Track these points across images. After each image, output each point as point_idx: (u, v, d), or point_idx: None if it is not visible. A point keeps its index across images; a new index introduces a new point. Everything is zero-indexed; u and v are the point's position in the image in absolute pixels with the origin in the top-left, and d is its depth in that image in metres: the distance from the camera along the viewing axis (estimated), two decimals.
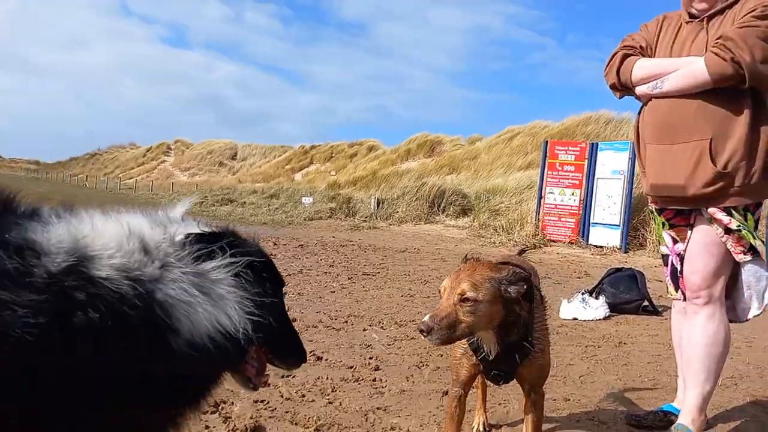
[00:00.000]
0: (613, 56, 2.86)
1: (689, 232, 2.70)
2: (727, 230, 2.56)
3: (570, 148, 12.90)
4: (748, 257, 2.58)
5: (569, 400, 3.24)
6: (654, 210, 2.88)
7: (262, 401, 2.95)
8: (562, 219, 12.61)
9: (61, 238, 1.11)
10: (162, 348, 1.13)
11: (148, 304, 1.12)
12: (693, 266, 2.68)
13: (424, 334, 1.85)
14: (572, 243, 12.22)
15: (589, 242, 11.99)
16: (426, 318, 1.88)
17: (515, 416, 2.93)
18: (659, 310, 5.86)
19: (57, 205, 1.29)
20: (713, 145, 2.52)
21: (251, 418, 2.76)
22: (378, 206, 17.03)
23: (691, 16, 2.71)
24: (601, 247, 11.71)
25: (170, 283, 1.16)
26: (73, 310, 1.04)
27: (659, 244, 2.93)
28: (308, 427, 2.73)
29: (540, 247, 12.16)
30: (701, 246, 2.65)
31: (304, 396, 3.10)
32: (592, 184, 12.15)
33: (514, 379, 2.19)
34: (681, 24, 2.75)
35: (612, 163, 11.95)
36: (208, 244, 1.28)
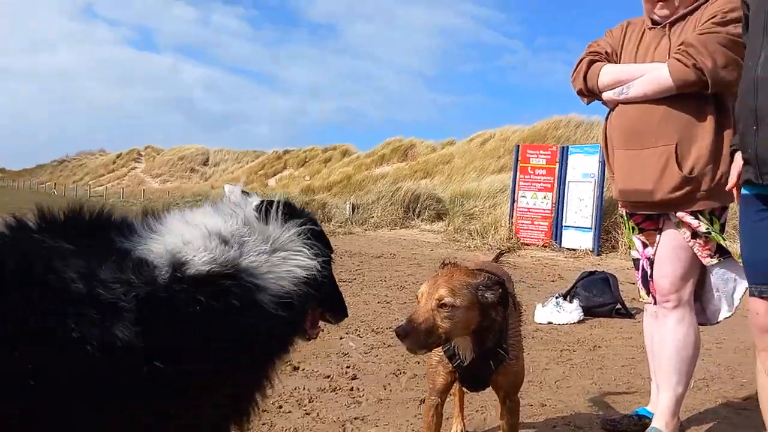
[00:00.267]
0: (580, 62, 2.89)
1: (658, 236, 2.74)
2: (694, 234, 2.61)
3: (541, 151, 13.04)
4: (715, 260, 2.63)
5: (545, 405, 3.25)
6: (624, 214, 2.92)
7: None
8: (535, 222, 12.73)
9: (161, 253, 1.38)
10: (257, 308, 1.43)
11: (238, 280, 1.41)
12: (662, 270, 2.71)
13: (401, 338, 1.84)
14: (545, 246, 12.33)
15: (562, 245, 12.11)
16: (403, 322, 1.86)
17: (493, 423, 2.93)
18: (632, 312, 5.94)
19: (142, 215, 1.54)
20: (679, 150, 2.57)
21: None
22: (353, 211, 16.99)
23: (654, 22, 2.75)
24: (574, 250, 11.84)
25: (250, 257, 1.47)
26: (192, 305, 1.33)
27: (630, 248, 2.97)
28: None
29: (514, 250, 12.25)
30: (669, 250, 2.69)
31: (281, 407, 3.06)
32: (564, 188, 12.29)
33: (490, 386, 2.19)
34: (644, 30, 2.79)
35: (582, 166, 12.10)
36: (274, 212, 1.59)
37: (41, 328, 1.16)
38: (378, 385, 3.49)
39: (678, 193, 2.57)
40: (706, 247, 2.61)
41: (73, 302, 1.19)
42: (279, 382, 1.70)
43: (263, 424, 2.82)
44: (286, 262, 1.53)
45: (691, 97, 2.55)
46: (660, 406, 2.75)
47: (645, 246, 2.81)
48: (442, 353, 2.13)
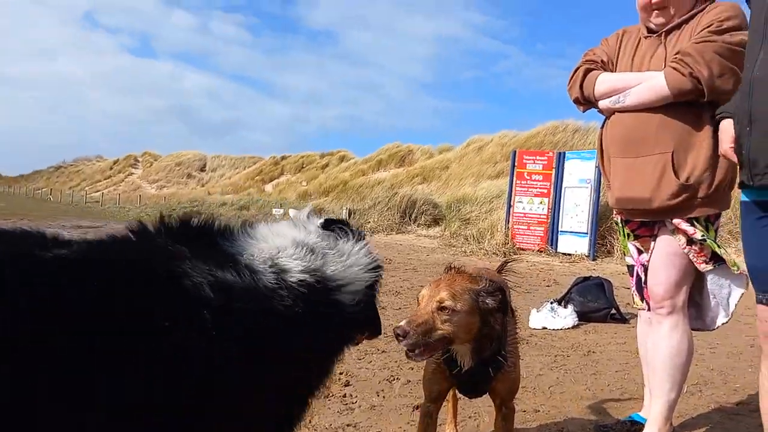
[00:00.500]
0: (576, 71, 2.90)
1: (653, 243, 2.75)
2: (690, 241, 2.61)
3: (538, 157, 13.09)
4: (710, 267, 2.63)
5: (539, 411, 3.25)
6: (619, 221, 2.93)
7: None
8: (531, 227, 12.76)
9: (264, 259, 1.56)
10: (336, 314, 1.65)
11: (324, 283, 1.63)
12: (656, 277, 2.72)
13: (400, 338, 1.82)
14: (541, 251, 12.36)
15: (558, 250, 12.14)
16: (402, 322, 1.85)
17: (486, 429, 2.93)
18: (627, 317, 5.95)
19: (239, 223, 1.72)
20: (675, 158, 2.57)
21: None
22: (350, 216, 17.01)
23: (650, 30, 2.76)
24: (569, 254, 11.87)
25: (330, 265, 1.68)
26: (295, 304, 1.52)
27: (624, 254, 2.97)
28: None
29: (510, 255, 12.26)
30: (664, 257, 2.69)
31: None
32: (560, 193, 12.33)
33: (485, 393, 2.19)
34: (640, 39, 2.80)
35: (579, 171, 12.15)
36: (338, 229, 1.83)
37: (180, 321, 1.29)
38: (371, 392, 3.48)
39: (675, 201, 2.58)
40: (702, 254, 2.62)
41: (202, 303, 1.33)
42: None
43: None
44: (356, 274, 1.73)
45: (687, 105, 2.56)
46: (653, 412, 2.75)
47: (640, 252, 2.81)
48: (440, 360, 2.13)
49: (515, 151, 13.87)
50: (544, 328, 5.47)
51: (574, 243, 11.99)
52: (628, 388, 3.76)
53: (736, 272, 2.61)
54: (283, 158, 42.23)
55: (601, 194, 11.62)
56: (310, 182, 33.56)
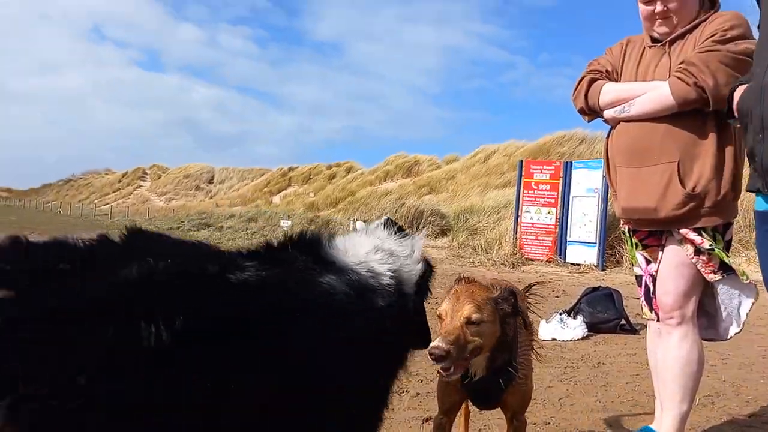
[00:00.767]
0: (581, 81, 2.90)
1: (661, 252, 2.73)
2: (697, 251, 2.59)
3: (545, 167, 13.06)
4: (719, 277, 2.61)
5: (549, 423, 3.23)
6: (627, 231, 2.91)
7: None
8: (539, 237, 12.71)
9: (361, 262, 1.77)
10: (407, 298, 1.85)
11: (403, 283, 1.84)
12: (665, 287, 2.70)
13: (439, 360, 1.78)
14: (549, 261, 12.31)
15: (567, 260, 12.09)
16: (438, 342, 1.80)
17: None
18: (636, 328, 5.90)
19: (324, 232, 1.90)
20: (681, 168, 2.56)
21: None
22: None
23: (654, 40, 2.76)
24: (578, 265, 11.81)
25: (404, 267, 1.87)
26: (391, 299, 1.73)
27: (633, 264, 2.95)
28: None
29: (518, 266, 12.22)
30: (672, 267, 2.67)
31: None
32: (568, 203, 12.29)
33: (498, 405, 2.17)
34: (644, 48, 2.80)
35: (586, 181, 12.11)
36: (401, 234, 2.03)
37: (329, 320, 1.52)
38: None
39: (681, 210, 2.56)
40: (710, 264, 2.60)
41: (338, 304, 1.56)
42: None
43: None
44: (414, 278, 1.91)
45: (692, 114, 2.55)
46: (664, 425, 2.72)
47: (648, 262, 2.80)
48: None
49: (522, 161, 13.85)
50: (554, 339, 5.43)
51: (583, 253, 11.94)
52: (639, 399, 3.72)
53: (745, 282, 2.59)
54: (290, 170, 42.40)
55: (609, 204, 11.58)
56: (317, 193, 33.65)
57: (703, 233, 2.57)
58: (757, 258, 2.10)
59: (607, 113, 2.79)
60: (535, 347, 2.45)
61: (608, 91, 2.77)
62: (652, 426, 2.93)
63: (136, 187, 57.57)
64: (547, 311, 6.38)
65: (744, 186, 2.25)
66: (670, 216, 2.59)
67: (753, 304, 2.62)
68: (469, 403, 2.46)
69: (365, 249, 1.84)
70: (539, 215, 12.74)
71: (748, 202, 2.13)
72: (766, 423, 3.27)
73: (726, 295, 2.65)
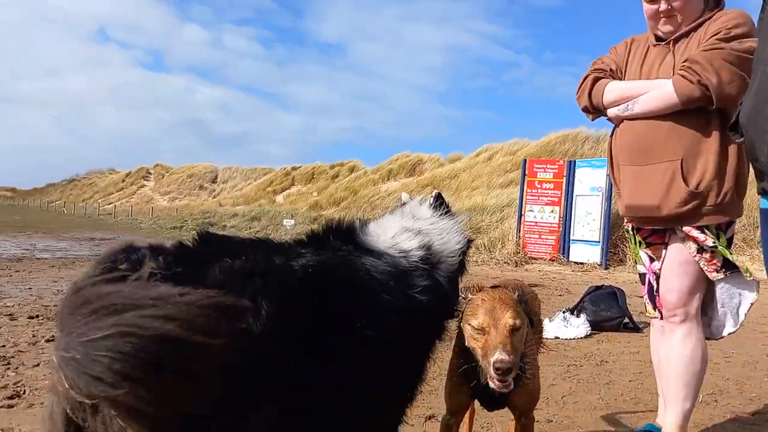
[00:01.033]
0: (585, 79, 2.90)
1: (664, 250, 2.73)
2: (700, 249, 2.60)
3: (548, 165, 13.06)
4: (721, 275, 2.61)
5: (552, 421, 3.23)
6: (630, 229, 2.91)
7: None
8: (543, 236, 12.71)
9: (391, 245, 1.91)
10: (441, 275, 1.97)
11: (433, 257, 1.98)
12: (668, 285, 2.70)
13: (510, 372, 1.76)
14: (553, 260, 12.30)
15: (570, 259, 12.09)
16: (503, 355, 1.77)
17: None
18: (640, 326, 5.90)
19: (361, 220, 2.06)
20: (684, 166, 2.56)
21: None
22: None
23: (658, 38, 2.77)
24: (581, 263, 11.81)
25: (436, 241, 2.02)
26: (421, 276, 1.86)
27: (636, 263, 2.96)
28: None
29: (521, 264, 12.21)
30: (676, 265, 2.68)
31: None
32: (571, 202, 12.28)
33: (506, 405, 2.17)
34: (648, 47, 2.80)
35: (590, 180, 12.10)
36: (439, 207, 2.25)
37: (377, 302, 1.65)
38: None
39: (685, 208, 2.57)
40: (713, 262, 2.60)
41: (380, 283, 1.69)
42: None
43: None
44: (451, 251, 2.05)
45: (695, 112, 2.55)
46: (668, 422, 2.72)
47: (651, 260, 2.80)
48: (460, 373, 2.08)
49: (526, 160, 13.86)
50: (557, 337, 5.44)
51: (586, 252, 11.93)
52: (642, 397, 3.73)
53: (748, 278, 2.59)
54: (293, 169, 42.40)
55: (613, 203, 11.57)
56: (320, 193, 33.67)
57: (706, 231, 2.57)
58: (761, 256, 2.10)
59: (611, 111, 2.80)
60: (541, 346, 2.45)
61: (612, 90, 2.78)
62: (656, 423, 2.94)
63: (140, 187, 57.67)
64: (551, 310, 6.39)
65: (751, 185, 2.24)
66: (672, 214, 2.59)
67: (753, 302, 2.62)
68: (475, 402, 2.46)
69: (392, 233, 1.99)
70: (543, 214, 12.73)
71: (753, 200, 2.13)
72: None
73: (726, 294, 2.65)
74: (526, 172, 13.12)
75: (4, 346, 4.38)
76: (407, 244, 1.93)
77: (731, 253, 2.59)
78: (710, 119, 2.56)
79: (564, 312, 5.80)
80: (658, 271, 2.76)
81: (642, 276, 2.89)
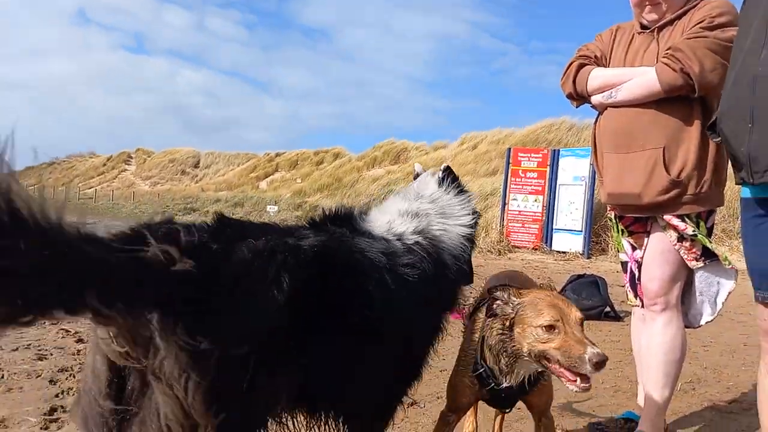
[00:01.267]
0: (569, 66, 2.89)
1: (646, 239, 2.74)
2: (681, 237, 2.61)
3: (532, 155, 13.09)
4: (701, 263, 2.62)
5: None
6: (613, 217, 2.92)
7: None
8: (526, 225, 12.76)
9: (385, 230, 1.94)
10: (444, 265, 2.01)
11: (432, 240, 2.02)
12: (649, 273, 2.71)
13: (604, 366, 1.73)
14: (536, 249, 12.37)
15: (553, 248, 12.16)
16: (598, 349, 1.73)
17: None
18: (621, 315, 5.95)
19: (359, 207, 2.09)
20: (666, 154, 2.56)
21: None
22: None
23: (643, 26, 2.76)
24: (564, 252, 11.89)
25: (435, 224, 2.08)
26: (418, 256, 1.90)
27: (618, 251, 2.96)
28: None
29: (504, 253, 12.27)
30: (657, 253, 2.69)
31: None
32: (555, 191, 12.34)
33: (515, 406, 2.17)
34: (633, 34, 2.79)
35: (573, 169, 12.16)
36: (450, 179, 2.29)
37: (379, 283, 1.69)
38: None
39: (665, 197, 2.57)
40: (692, 250, 2.61)
41: (375, 267, 1.72)
42: None
43: None
44: (455, 229, 2.10)
45: (678, 101, 2.55)
46: (646, 410, 2.74)
47: (633, 249, 2.80)
48: (471, 373, 2.05)
49: (510, 149, 13.87)
50: None
51: (569, 241, 12.01)
52: (622, 385, 3.76)
53: (727, 267, 2.60)
54: (277, 155, 42.11)
55: (596, 192, 11.64)
56: (304, 179, 33.51)
57: (687, 219, 2.58)
58: (741, 247, 2.11)
59: (595, 98, 2.79)
60: None
61: (596, 77, 2.76)
62: (635, 411, 2.96)
63: (121, 171, 56.95)
64: None
65: (731, 175, 2.24)
66: (653, 202, 2.60)
67: (731, 291, 2.63)
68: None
69: (389, 217, 2.04)
70: (526, 203, 12.78)
71: (733, 191, 2.14)
72: (746, 409, 3.31)
73: (705, 282, 2.67)
74: (511, 161, 13.15)
75: None
76: (401, 227, 1.98)
77: (711, 242, 2.60)
78: (692, 108, 2.56)
79: None
80: (640, 260, 2.77)
81: (624, 264, 2.90)
